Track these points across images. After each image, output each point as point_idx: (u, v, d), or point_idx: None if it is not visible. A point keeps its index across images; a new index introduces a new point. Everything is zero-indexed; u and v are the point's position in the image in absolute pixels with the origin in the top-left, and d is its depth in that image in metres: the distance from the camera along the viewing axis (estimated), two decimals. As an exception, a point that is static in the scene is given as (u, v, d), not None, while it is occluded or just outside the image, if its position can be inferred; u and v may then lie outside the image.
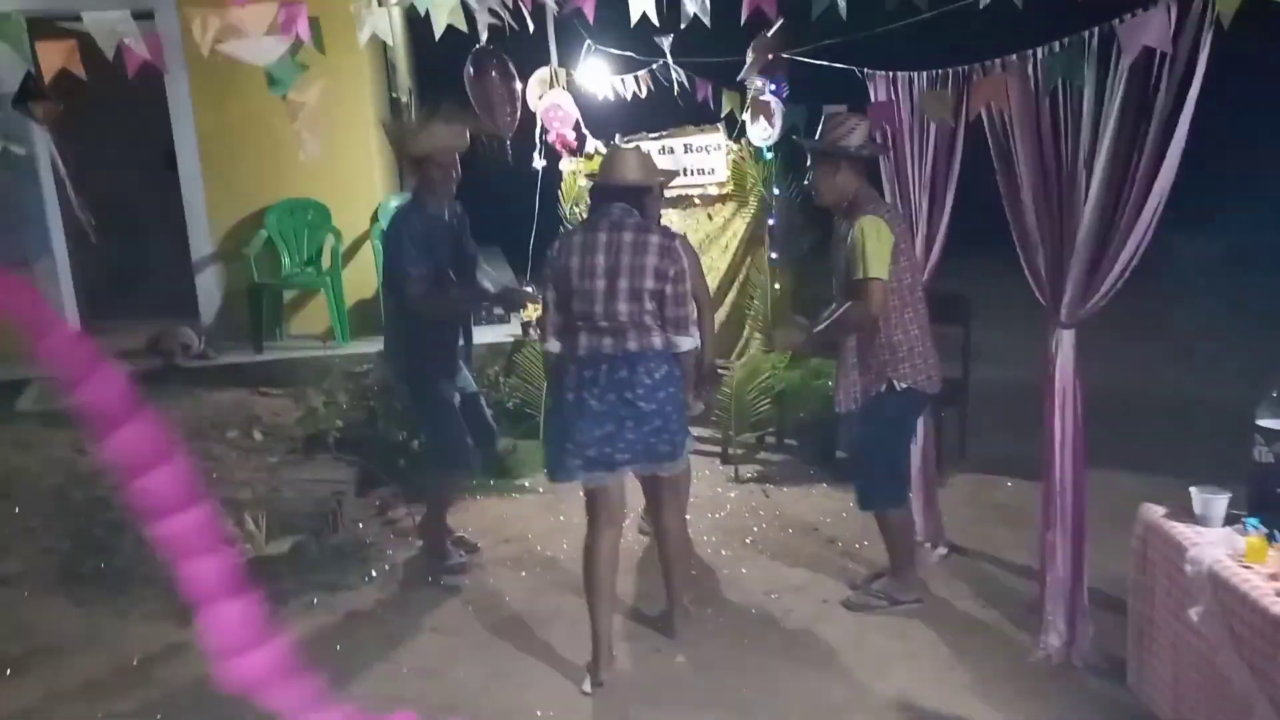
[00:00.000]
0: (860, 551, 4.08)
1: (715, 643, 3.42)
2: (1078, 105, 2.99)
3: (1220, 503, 2.11)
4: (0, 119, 6.23)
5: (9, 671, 3.24)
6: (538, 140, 6.27)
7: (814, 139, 3.57)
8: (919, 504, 4.10)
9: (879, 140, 3.87)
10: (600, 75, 5.99)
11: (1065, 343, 3.25)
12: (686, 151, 5.86)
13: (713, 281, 5.84)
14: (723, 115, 5.49)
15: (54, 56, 3.33)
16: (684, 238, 4.07)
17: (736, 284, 5.83)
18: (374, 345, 5.87)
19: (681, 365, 3.19)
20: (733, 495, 4.86)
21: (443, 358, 3.76)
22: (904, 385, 3.41)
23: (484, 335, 6.17)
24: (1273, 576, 2.03)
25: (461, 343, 3.87)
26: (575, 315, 3.10)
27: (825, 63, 4.66)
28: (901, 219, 3.66)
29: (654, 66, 5.68)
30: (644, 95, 5.77)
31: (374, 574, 3.99)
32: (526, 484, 5.02)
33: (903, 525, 3.63)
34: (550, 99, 6.23)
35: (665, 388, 3.11)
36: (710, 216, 5.87)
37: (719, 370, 5.39)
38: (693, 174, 5.86)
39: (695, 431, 5.21)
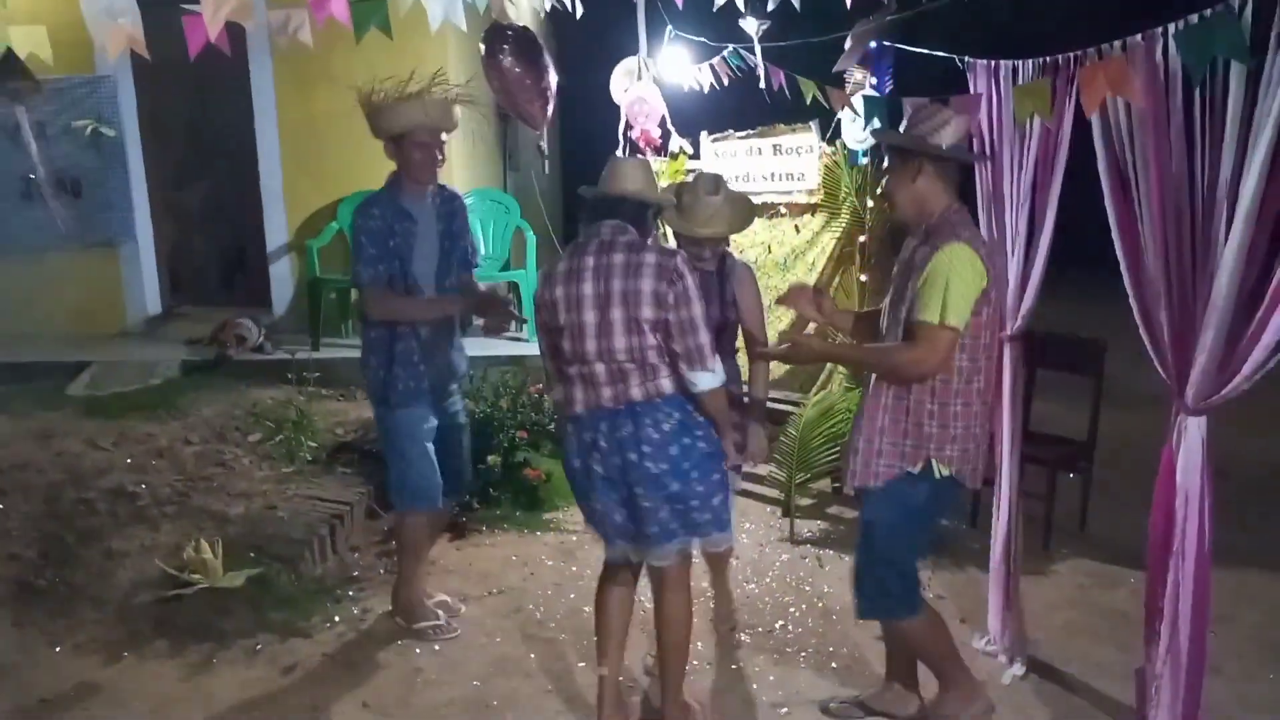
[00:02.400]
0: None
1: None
2: (1223, 105, 2.11)
3: None
4: (92, 100, 6.28)
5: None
6: (621, 137, 5.72)
7: (896, 131, 2.78)
8: (995, 603, 3.24)
9: (979, 144, 3.05)
10: (682, 64, 5.35)
11: (1191, 434, 2.36)
12: (775, 153, 5.14)
13: (794, 302, 5.09)
14: (823, 115, 4.72)
15: (120, 39, 3.13)
16: (748, 267, 3.40)
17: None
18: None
19: (706, 409, 2.56)
20: (782, 559, 4.10)
21: (411, 376, 3.20)
22: (946, 472, 2.55)
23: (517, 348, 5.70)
24: None
25: (446, 364, 3.31)
26: (567, 359, 2.55)
27: (927, 50, 3.85)
28: (996, 255, 2.80)
29: (732, 54, 4.97)
30: (722, 86, 5.06)
31: (338, 619, 3.51)
32: (556, 518, 4.46)
33: (928, 631, 2.74)
34: (636, 92, 5.67)
35: (679, 440, 2.52)
36: (798, 229, 5.10)
37: (780, 408, 4.67)
38: (780, 179, 5.12)
39: (758, 470, 4.53)
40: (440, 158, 3.17)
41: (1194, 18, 2.05)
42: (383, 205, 3.12)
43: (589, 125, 7.14)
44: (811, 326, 3.77)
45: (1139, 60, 2.27)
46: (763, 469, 4.53)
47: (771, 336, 3.94)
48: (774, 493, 4.64)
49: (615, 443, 2.52)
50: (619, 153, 5.63)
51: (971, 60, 3.25)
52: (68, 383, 5.48)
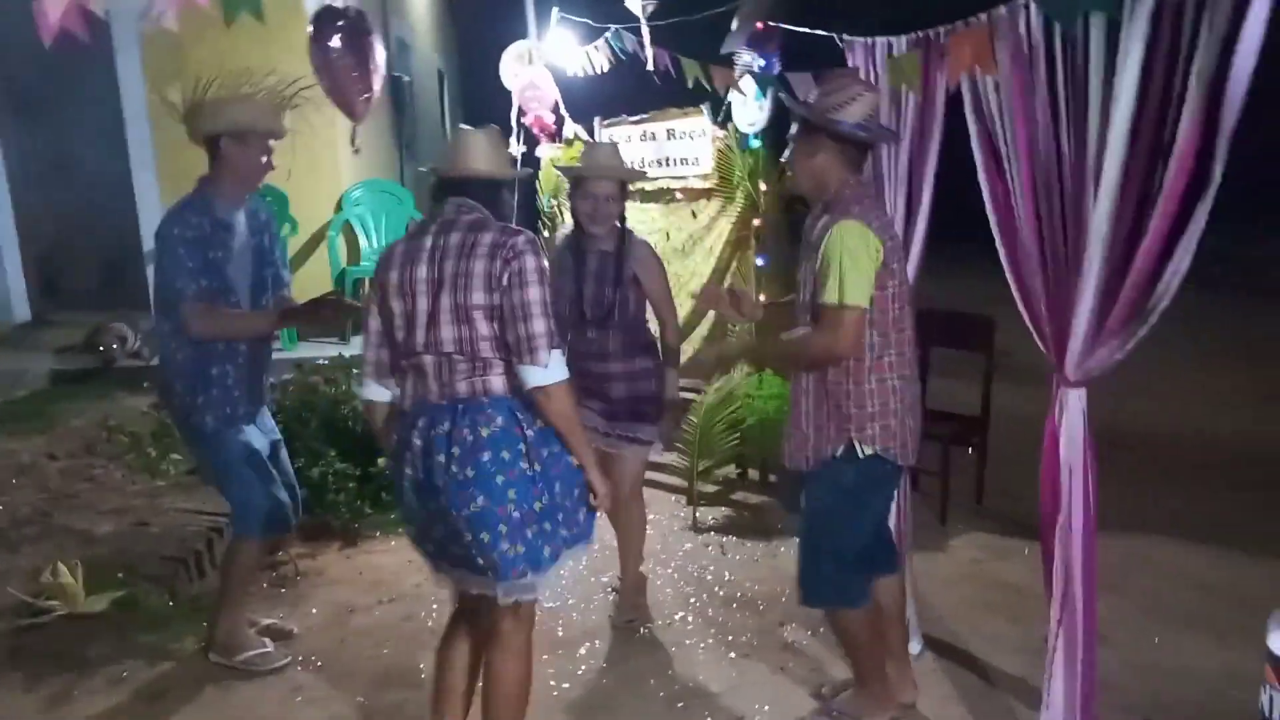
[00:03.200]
0: (821, 644, 3.20)
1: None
2: (1085, 75, 2.09)
3: None
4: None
5: None
6: (514, 123, 5.56)
7: (802, 103, 2.69)
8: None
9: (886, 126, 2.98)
10: (571, 48, 5.23)
11: (1072, 406, 2.35)
12: (669, 138, 5.05)
13: (694, 289, 5.03)
14: (715, 98, 4.65)
15: None
16: (647, 244, 3.37)
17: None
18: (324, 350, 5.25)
19: (546, 413, 2.21)
20: (685, 548, 4.04)
21: (228, 400, 2.91)
22: (870, 450, 2.50)
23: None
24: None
25: (257, 386, 3.04)
26: (400, 349, 2.25)
27: (808, 30, 3.80)
28: (895, 229, 2.74)
29: (614, 36, 4.86)
30: (605, 70, 4.95)
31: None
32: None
33: (861, 627, 2.69)
34: (527, 77, 5.51)
35: (495, 448, 2.15)
36: (695, 214, 5.03)
37: (682, 396, 4.61)
38: (675, 164, 5.05)
39: (662, 459, 4.46)
40: (266, 164, 2.89)
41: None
42: (197, 212, 2.80)
43: (485, 111, 6.99)
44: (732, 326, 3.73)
45: (1002, 31, 2.25)
46: (667, 456, 4.47)
47: (681, 315, 3.92)
48: (678, 481, 4.58)
49: (429, 442, 2.19)
50: (513, 140, 5.49)
51: (849, 38, 3.21)
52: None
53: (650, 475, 4.57)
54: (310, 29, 3.64)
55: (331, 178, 6.20)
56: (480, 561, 2.17)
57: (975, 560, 3.84)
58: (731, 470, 4.79)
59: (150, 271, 6.19)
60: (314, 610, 3.52)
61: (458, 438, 2.16)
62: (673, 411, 3.39)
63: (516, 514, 2.16)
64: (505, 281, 2.15)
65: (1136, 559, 3.73)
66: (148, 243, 6.18)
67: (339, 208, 6.26)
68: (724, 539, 4.11)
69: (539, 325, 2.15)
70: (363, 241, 6.31)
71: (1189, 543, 3.88)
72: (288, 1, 3.64)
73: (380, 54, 3.86)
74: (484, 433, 2.16)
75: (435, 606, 3.51)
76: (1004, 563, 3.79)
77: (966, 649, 3.16)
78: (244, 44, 4.10)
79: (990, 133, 2.46)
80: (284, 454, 3.22)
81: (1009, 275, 2.47)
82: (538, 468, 2.19)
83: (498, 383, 2.19)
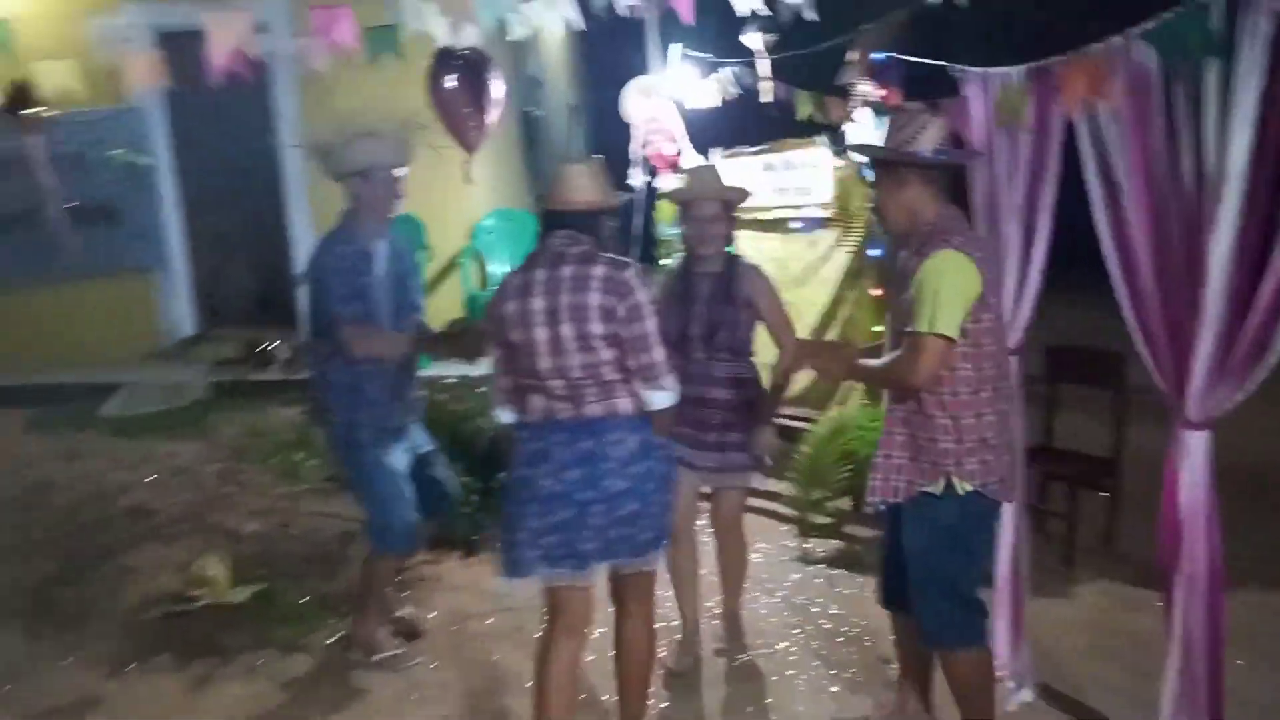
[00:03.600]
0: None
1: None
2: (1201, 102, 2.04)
3: None
4: (125, 130, 6.48)
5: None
6: (636, 156, 5.73)
7: (875, 146, 2.72)
8: (1001, 625, 3.13)
9: (964, 145, 2.97)
10: (693, 81, 5.36)
11: (1193, 449, 2.26)
12: (788, 168, 5.10)
13: (811, 318, 5.04)
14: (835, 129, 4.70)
15: (139, 68, 3.27)
16: (758, 268, 3.41)
17: (838, 322, 4.96)
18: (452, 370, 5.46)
19: (660, 424, 2.51)
20: (793, 579, 4.03)
21: (381, 415, 3.12)
22: (969, 487, 2.45)
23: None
24: None
25: (408, 400, 3.25)
26: (523, 374, 2.48)
27: (923, 60, 3.81)
28: (993, 259, 2.70)
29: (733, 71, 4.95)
30: (723, 104, 5.04)
31: (341, 634, 3.52)
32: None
33: (974, 670, 2.61)
34: (649, 110, 5.68)
35: (643, 460, 2.47)
36: (812, 244, 5.05)
37: (793, 425, 4.62)
38: (793, 194, 5.09)
39: (774, 488, 4.47)
40: (397, 195, 3.11)
41: (1167, 15, 1.99)
42: (343, 244, 3.05)
43: (613, 143, 7.20)
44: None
45: (1117, 61, 2.22)
46: (778, 485, 4.47)
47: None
48: (790, 511, 4.56)
49: (573, 456, 2.43)
50: (633, 171, 5.66)
51: (963, 69, 3.20)
52: (99, 404, 5.63)
53: (761, 504, 4.59)
54: (429, 68, 3.88)
55: (465, 208, 6.52)
56: (635, 546, 2.49)
57: (1100, 608, 3.68)
58: (845, 503, 4.74)
59: (299, 293, 6.72)
60: (433, 614, 3.70)
61: (606, 454, 2.43)
62: (771, 435, 3.37)
63: (655, 508, 2.51)
64: (623, 313, 2.36)
65: (1273, 615, 3.49)
66: (297, 266, 6.68)
67: (471, 236, 6.58)
68: (833, 572, 4.07)
69: (658, 354, 2.41)
70: (492, 268, 6.60)
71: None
72: (426, 44, 3.91)
73: (498, 91, 4.07)
74: (631, 447, 2.45)
75: (544, 623, 3.63)
76: (1132, 613, 3.61)
77: (1081, 698, 3.03)
78: (387, 82, 4.40)
79: (1107, 165, 2.41)
80: (440, 461, 3.42)
81: (1128, 311, 2.41)
82: (666, 467, 2.56)
83: (625, 403, 2.45)
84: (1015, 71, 2.86)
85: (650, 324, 2.40)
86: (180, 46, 3.44)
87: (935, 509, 2.50)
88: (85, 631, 3.45)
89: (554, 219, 2.49)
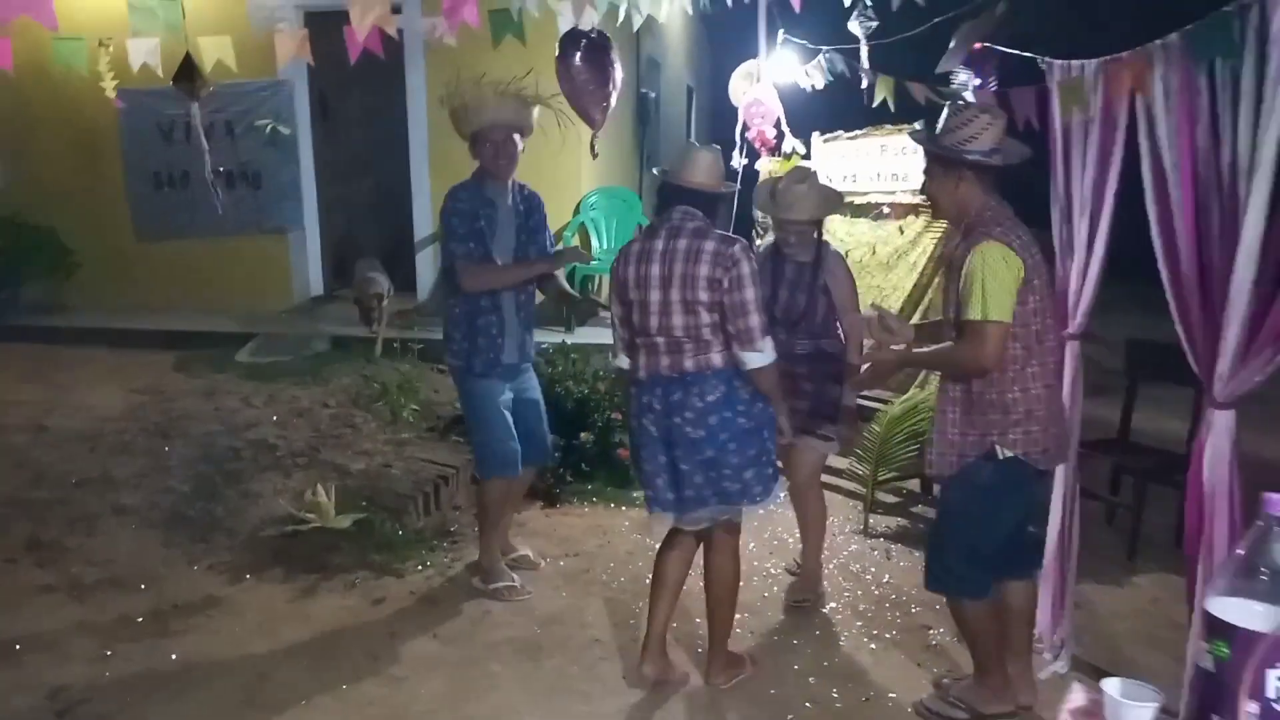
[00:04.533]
0: (964, 650, 3.27)
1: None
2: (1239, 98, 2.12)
3: (1138, 715, 1.29)
4: (272, 102, 7.07)
5: (73, 594, 3.55)
6: (738, 138, 5.91)
7: (931, 134, 2.86)
8: (1046, 596, 3.22)
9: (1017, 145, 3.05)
10: (793, 66, 5.48)
11: (1219, 427, 2.35)
12: (882, 153, 5.22)
13: (895, 303, 5.13)
14: (931, 115, 4.75)
15: (288, 44, 3.69)
16: (839, 255, 3.61)
17: (922, 308, 5.04)
18: (549, 337, 5.80)
19: (758, 385, 2.78)
20: (852, 549, 4.20)
21: (494, 349, 3.49)
22: (1009, 454, 2.62)
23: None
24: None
25: (520, 341, 3.59)
26: (635, 331, 2.83)
27: (1014, 51, 3.85)
28: (1037, 247, 2.81)
29: (828, 58, 5.05)
30: (819, 89, 5.15)
31: (429, 565, 3.91)
32: (642, 496, 4.69)
33: (977, 618, 2.80)
34: (753, 94, 5.84)
35: (720, 412, 2.73)
36: (901, 230, 5.14)
37: (868, 405, 4.74)
38: (886, 179, 5.19)
39: (842, 464, 4.64)
40: (511, 156, 3.44)
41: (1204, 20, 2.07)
42: (468, 191, 3.44)
43: (729, 125, 7.38)
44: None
45: (1168, 58, 2.29)
46: (842, 462, 4.63)
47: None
48: (859, 488, 4.71)
49: (667, 406, 2.76)
50: (736, 153, 5.84)
51: (1049, 61, 3.27)
52: (236, 350, 6.22)
53: (832, 480, 4.75)
54: (557, 49, 4.17)
55: (572, 183, 6.83)
56: (728, 492, 2.78)
57: (1155, 599, 3.70)
58: (916, 485, 4.84)
59: (418, 258, 7.20)
60: (510, 554, 4.04)
61: (689, 404, 2.73)
62: (850, 416, 3.58)
63: (735, 459, 2.75)
64: (727, 284, 2.66)
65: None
66: (420, 231, 7.16)
67: (576, 211, 6.89)
68: (892, 546, 4.21)
69: (755, 320, 2.69)
70: (595, 242, 6.90)
71: None
72: (546, 26, 4.16)
73: (619, 71, 4.34)
74: (711, 399, 2.73)
75: (611, 565, 3.93)
76: (1185, 604, 3.62)
77: (1114, 674, 3.10)
78: (509, 61, 4.71)
79: (1157, 156, 2.49)
80: (540, 411, 3.77)
81: (1170, 295, 2.49)
82: (750, 424, 2.76)
83: (717, 359, 2.74)
84: (1088, 65, 2.94)
85: (751, 293, 2.68)
86: (325, 25, 3.82)
87: (975, 471, 2.68)
88: (212, 544, 3.94)
89: (673, 194, 2.79)
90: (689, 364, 2.73)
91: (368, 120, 7.68)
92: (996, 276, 2.50)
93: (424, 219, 7.13)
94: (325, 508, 3.98)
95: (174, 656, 3.15)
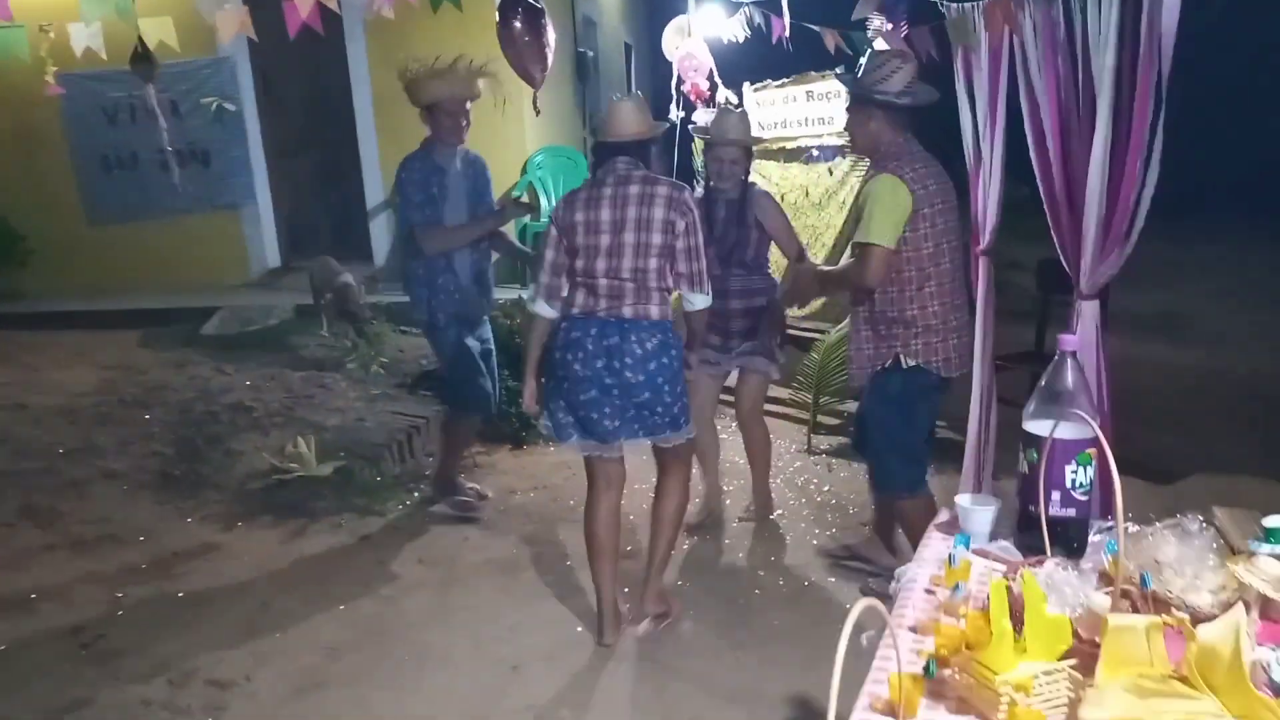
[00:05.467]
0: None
1: (710, 612, 3.27)
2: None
3: (981, 516, 1.64)
4: (216, 80, 7.18)
5: (75, 550, 3.80)
6: (674, 91, 6.17)
7: (852, 77, 3.18)
8: (967, 488, 3.62)
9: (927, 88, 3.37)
10: (720, 20, 5.75)
11: (1086, 316, 2.74)
12: (809, 100, 5.53)
13: (828, 240, 5.49)
14: (850, 62, 5.07)
15: (230, 22, 3.83)
16: (767, 193, 3.91)
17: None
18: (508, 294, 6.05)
19: (692, 323, 3.05)
20: (796, 465, 4.59)
21: (455, 303, 3.79)
22: (911, 363, 2.99)
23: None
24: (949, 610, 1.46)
25: (478, 294, 3.87)
26: (578, 273, 2.90)
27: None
28: (935, 181, 3.14)
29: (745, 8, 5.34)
30: (742, 40, 5.43)
31: (407, 504, 4.21)
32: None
33: (917, 511, 3.16)
34: (685, 48, 6.10)
35: (658, 358, 2.87)
36: (830, 171, 5.48)
37: (807, 335, 5.11)
38: (814, 124, 5.51)
39: (783, 394, 5.02)
40: (465, 123, 3.71)
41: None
42: (419, 160, 3.70)
43: (667, 80, 7.63)
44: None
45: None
46: (785, 392, 5.00)
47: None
48: (802, 413, 5.09)
49: (601, 348, 2.84)
50: (673, 106, 6.11)
51: (946, 3, 3.59)
52: (200, 324, 6.40)
53: (780, 410, 5.12)
54: (496, 15, 4.40)
55: (518, 145, 7.07)
56: (655, 425, 2.94)
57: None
58: (853, 406, 5.23)
59: (372, 225, 7.39)
60: (487, 491, 4.37)
61: (628, 350, 2.83)
62: (779, 326, 3.85)
63: (668, 398, 2.91)
64: (682, 228, 2.81)
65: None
66: (372, 199, 7.34)
67: (524, 171, 7.13)
68: (833, 460, 4.61)
69: (704, 264, 2.88)
70: (543, 200, 7.15)
71: None
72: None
73: (552, 32, 4.58)
74: (650, 346, 2.85)
75: (576, 496, 4.26)
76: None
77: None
78: (448, 29, 4.93)
79: (1030, 84, 2.83)
80: (493, 361, 4.08)
81: (1046, 208, 2.85)
82: (678, 365, 2.93)
83: (654, 311, 2.86)
84: (975, 5, 3.27)
85: (700, 239, 2.85)
86: (265, 1, 3.98)
87: (886, 381, 3.05)
88: (200, 499, 4.20)
89: (608, 149, 2.91)
90: (627, 311, 2.83)
91: (312, 93, 7.81)
92: (883, 204, 2.85)
93: (375, 188, 7.32)
94: (307, 458, 4.26)
95: (180, 595, 3.44)
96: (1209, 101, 12.20)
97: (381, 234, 7.40)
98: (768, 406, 4.89)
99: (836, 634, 0.89)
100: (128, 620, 3.27)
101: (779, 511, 4.03)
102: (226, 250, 7.50)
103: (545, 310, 2.98)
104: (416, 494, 4.33)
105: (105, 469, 4.39)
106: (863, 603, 0.93)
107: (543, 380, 3.06)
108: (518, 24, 4.29)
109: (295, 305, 6.64)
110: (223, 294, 7.02)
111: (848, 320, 5.23)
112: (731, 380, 3.95)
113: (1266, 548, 1.20)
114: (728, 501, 4.15)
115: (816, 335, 5.08)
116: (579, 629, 3.15)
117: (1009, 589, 1.21)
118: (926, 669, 1.12)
